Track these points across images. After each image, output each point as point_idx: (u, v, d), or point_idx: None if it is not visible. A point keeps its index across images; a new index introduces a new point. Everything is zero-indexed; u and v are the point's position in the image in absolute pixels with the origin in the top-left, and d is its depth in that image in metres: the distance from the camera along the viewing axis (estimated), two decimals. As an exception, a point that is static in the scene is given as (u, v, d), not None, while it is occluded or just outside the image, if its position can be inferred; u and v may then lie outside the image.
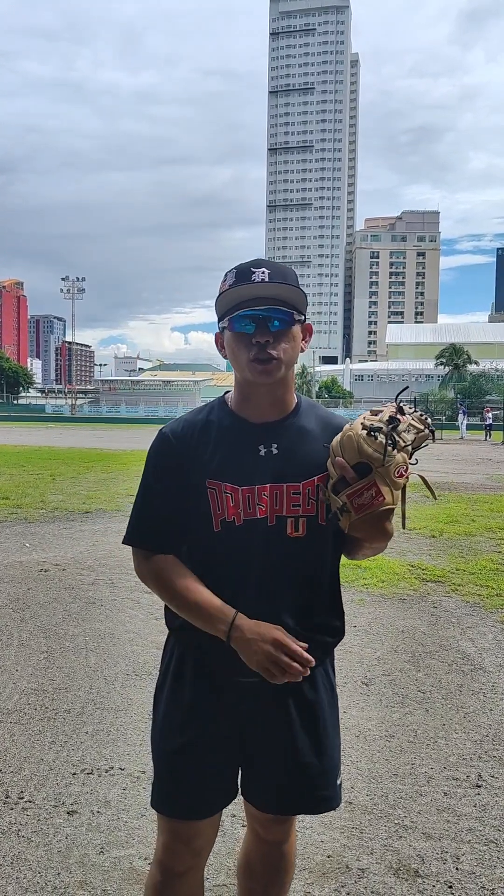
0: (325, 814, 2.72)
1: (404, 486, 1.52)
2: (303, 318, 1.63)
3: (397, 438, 1.48)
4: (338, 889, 2.37)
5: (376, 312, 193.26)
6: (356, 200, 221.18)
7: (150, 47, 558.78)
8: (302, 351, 1.67)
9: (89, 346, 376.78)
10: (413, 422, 1.53)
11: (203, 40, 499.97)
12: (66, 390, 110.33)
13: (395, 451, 1.46)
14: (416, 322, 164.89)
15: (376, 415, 1.52)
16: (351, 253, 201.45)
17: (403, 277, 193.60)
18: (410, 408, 1.57)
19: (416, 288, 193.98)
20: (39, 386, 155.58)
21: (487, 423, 36.51)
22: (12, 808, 2.78)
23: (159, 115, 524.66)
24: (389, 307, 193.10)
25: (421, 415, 1.57)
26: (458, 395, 60.97)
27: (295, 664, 1.52)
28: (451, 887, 2.38)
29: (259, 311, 1.57)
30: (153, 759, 1.76)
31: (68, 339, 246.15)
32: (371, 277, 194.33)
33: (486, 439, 34.71)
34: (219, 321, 1.66)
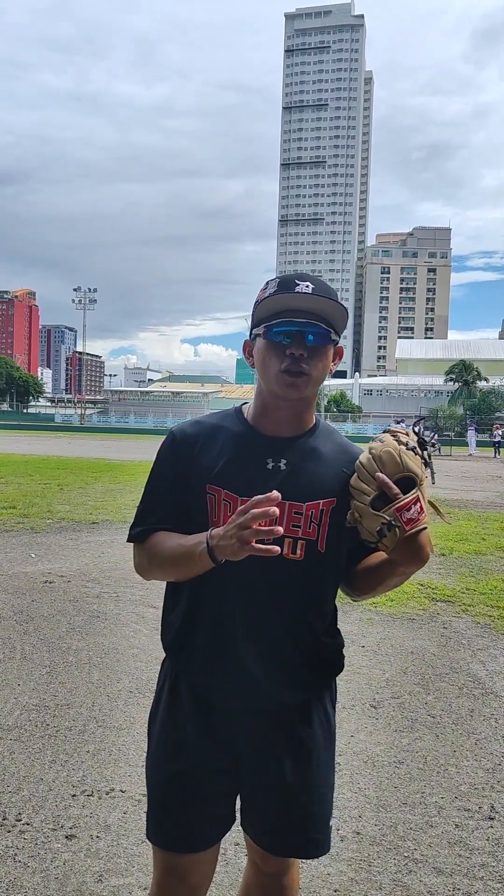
0: (332, 842, 2.66)
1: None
2: (338, 339, 1.57)
3: (427, 461, 1.48)
4: (345, 926, 2.27)
5: (386, 327, 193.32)
6: (368, 216, 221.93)
7: (165, 60, 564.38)
8: (330, 373, 1.60)
9: (100, 357, 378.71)
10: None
11: (217, 54, 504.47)
12: (76, 400, 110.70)
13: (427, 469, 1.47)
14: (426, 338, 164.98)
15: (395, 436, 1.50)
16: (362, 268, 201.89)
17: (414, 293, 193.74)
18: (419, 428, 1.56)
19: (427, 304, 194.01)
20: (49, 395, 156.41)
21: (496, 440, 36.31)
22: (9, 831, 2.70)
23: (173, 127, 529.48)
24: (399, 322, 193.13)
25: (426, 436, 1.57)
26: (468, 412, 60.80)
27: (252, 511, 1.34)
28: (463, 927, 2.28)
29: (298, 324, 1.50)
30: (147, 787, 1.69)
31: (79, 349, 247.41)
32: (382, 293, 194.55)
33: (495, 456, 34.50)
34: (252, 328, 1.59)
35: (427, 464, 1.48)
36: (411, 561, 1.45)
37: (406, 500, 1.41)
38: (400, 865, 2.58)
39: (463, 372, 70.93)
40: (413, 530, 1.41)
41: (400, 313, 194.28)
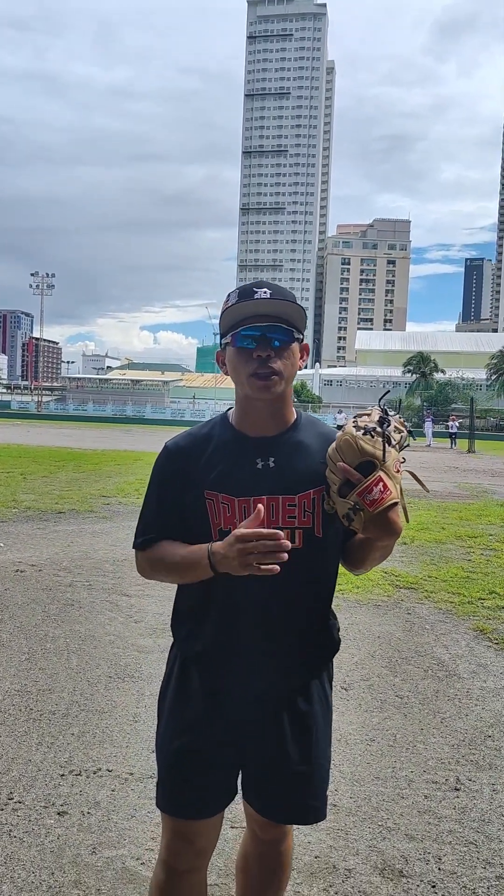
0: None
1: (400, 482, 1.59)
2: (301, 337, 1.70)
3: (391, 436, 1.56)
4: (326, 889, 2.44)
5: (346, 318, 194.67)
6: (329, 206, 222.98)
7: (126, 42, 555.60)
8: (299, 369, 1.74)
9: (57, 343, 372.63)
10: (395, 424, 1.61)
11: (179, 38, 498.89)
12: (33, 387, 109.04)
13: (391, 447, 1.55)
14: (385, 329, 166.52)
15: (362, 418, 1.60)
16: (323, 258, 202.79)
17: (374, 284, 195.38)
18: (391, 412, 1.64)
19: (386, 295, 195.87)
20: (5, 381, 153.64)
21: (453, 431, 37.06)
22: (2, 809, 2.81)
23: (133, 111, 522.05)
24: (359, 314, 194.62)
25: (400, 418, 1.65)
26: (425, 403, 61.80)
27: (264, 540, 1.50)
28: (434, 887, 2.48)
29: (260, 327, 1.63)
30: (157, 760, 1.83)
31: (36, 334, 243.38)
32: (342, 283, 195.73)
33: (451, 447, 35.22)
34: (221, 338, 1.72)
35: (388, 440, 1.55)
36: (384, 536, 1.57)
37: (367, 484, 1.52)
38: (374, 833, 2.77)
39: (420, 364, 72.06)
40: (377, 510, 1.52)
41: (360, 304, 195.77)
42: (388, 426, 1.58)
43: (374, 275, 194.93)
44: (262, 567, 1.50)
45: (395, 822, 2.85)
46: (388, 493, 1.52)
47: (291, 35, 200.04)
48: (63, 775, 3.07)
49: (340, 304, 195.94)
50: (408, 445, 1.65)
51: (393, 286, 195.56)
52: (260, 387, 1.65)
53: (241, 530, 1.53)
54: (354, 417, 1.62)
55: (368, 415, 1.61)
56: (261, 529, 1.52)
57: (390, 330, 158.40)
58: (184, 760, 1.75)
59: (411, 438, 1.68)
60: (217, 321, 1.77)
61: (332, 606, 1.87)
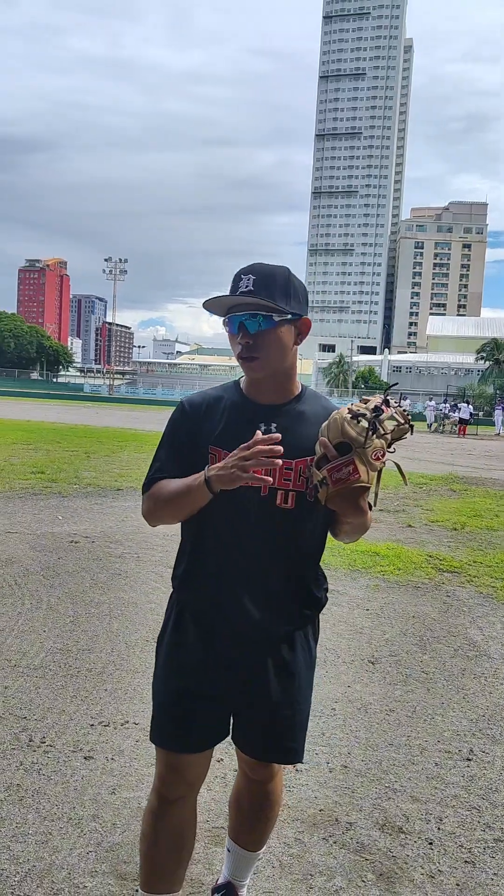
0: (321, 773, 2.97)
1: (380, 469, 1.69)
2: (288, 315, 1.78)
3: (378, 426, 1.66)
4: (325, 838, 2.58)
5: (418, 303, 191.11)
6: (403, 188, 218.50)
7: (199, 25, 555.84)
8: (296, 344, 1.85)
9: (129, 328, 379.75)
10: (395, 415, 1.70)
11: (253, 19, 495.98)
12: (105, 370, 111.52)
13: (375, 436, 1.64)
14: (459, 315, 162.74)
15: (365, 403, 1.70)
16: (395, 242, 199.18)
17: (448, 269, 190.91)
18: (396, 402, 1.74)
19: (460, 280, 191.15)
20: (79, 365, 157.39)
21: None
22: (35, 750, 3.05)
23: (205, 94, 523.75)
24: (432, 299, 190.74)
25: (404, 410, 1.74)
26: (498, 391, 60.24)
27: (257, 448, 1.63)
28: (430, 843, 2.58)
29: (238, 317, 1.77)
30: (152, 698, 1.99)
31: (109, 319, 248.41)
32: (415, 268, 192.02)
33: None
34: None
35: (374, 430, 1.64)
36: (347, 512, 1.72)
37: (337, 463, 1.64)
38: (380, 793, 2.89)
39: (494, 350, 70.09)
40: (338, 488, 1.64)
41: (433, 289, 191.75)
42: (380, 415, 1.67)
43: (448, 259, 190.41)
44: (257, 476, 1.63)
45: (403, 784, 2.96)
46: (355, 475, 1.63)
47: (369, 13, 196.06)
48: (93, 725, 3.30)
49: (413, 288, 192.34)
50: (404, 437, 1.74)
51: (468, 271, 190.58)
52: (247, 368, 1.83)
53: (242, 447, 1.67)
54: (359, 400, 1.74)
55: (368, 401, 1.72)
56: (262, 436, 1.65)
57: (464, 315, 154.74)
58: (176, 698, 1.91)
59: (409, 434, 1.77)
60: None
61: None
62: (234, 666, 1.90)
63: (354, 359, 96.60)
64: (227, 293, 1.78)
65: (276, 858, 2.46)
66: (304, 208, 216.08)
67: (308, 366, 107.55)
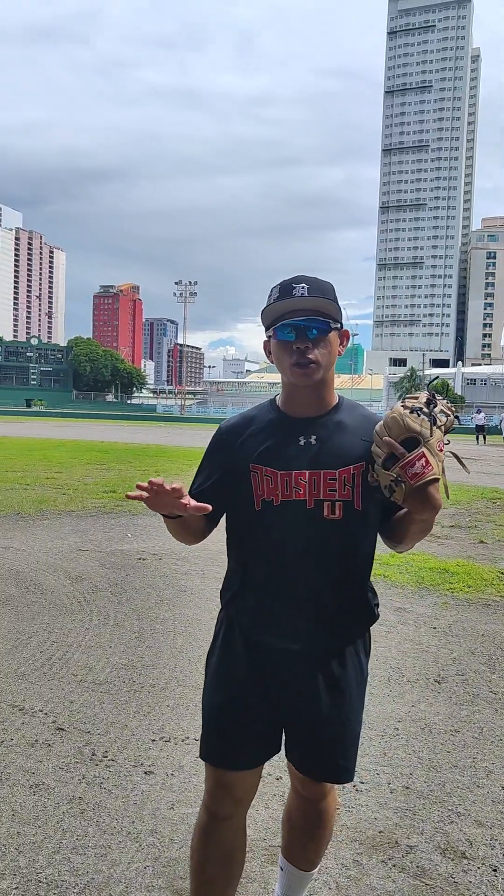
0: (382, 794, 2.91)
1: (443, 460, 1.68)
2: (339, 325, 1.84)
3: (436, 416, 1.67)
4: (385, 861, 2.52)
5: (492, 314, 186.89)
6: (473, 199, 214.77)
7: (264, 50, 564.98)
8: (339, 354, 1.87)
9: (199, 349, 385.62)
10: (443, 408, 1.71)
11: (317, 40, 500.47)
12: (177, 391, 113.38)
13: (435, 426, 1.65)
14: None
15: (404, 401, 1.72)
16: (466, 253, 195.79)
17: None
18: (440, 397, 1.74)
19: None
20: (152, 386, 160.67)
21: None
22: (97, 764, 3.10)
23: (271, 116, 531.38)
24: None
25: (448, 403, 1.75)
26: None
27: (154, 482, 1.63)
28: (495, 871, 2.49)
29: (299, 321, 1.79)
30: (202, 714, 2.00)
31: (180, 341, 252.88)
32: (487, 278, 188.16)
33: None
34: (266, 331, 1.89)
35: (433, 419, 1.66)
36: (423, 509, 1.68)
37: (410, 458, 1.63)
38: (443, 816, 2.80)
39: None
40: (418, 483, 1.63)
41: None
42: (435, 407, 1.69)
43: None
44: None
45: (467, 808, 2.87)
46: (429, 468, 1.63)
47: (434, 26, 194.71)
48: (154, 740, 3.33)
49: (485, 299, 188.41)
50: (452, 428, 1.74)
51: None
52: (300, 374, 1.81)
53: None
54: (405, 398, 1.74)
55: (417, 398, 1.72)
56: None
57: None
58: (225, 714, 1.91)
59: (457, 422, 1.78)
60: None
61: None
62: (283, 680, 1.89)
63: (427, 372, 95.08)
64: (275, 302, 1.79)
65: (332, 880, 2.42)
66: (371, 223, 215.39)
67: (379, 380, 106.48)
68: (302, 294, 1.77)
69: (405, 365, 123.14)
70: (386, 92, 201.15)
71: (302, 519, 1.82)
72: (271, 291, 1.85)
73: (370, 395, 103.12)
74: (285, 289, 1.81)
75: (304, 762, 1.94)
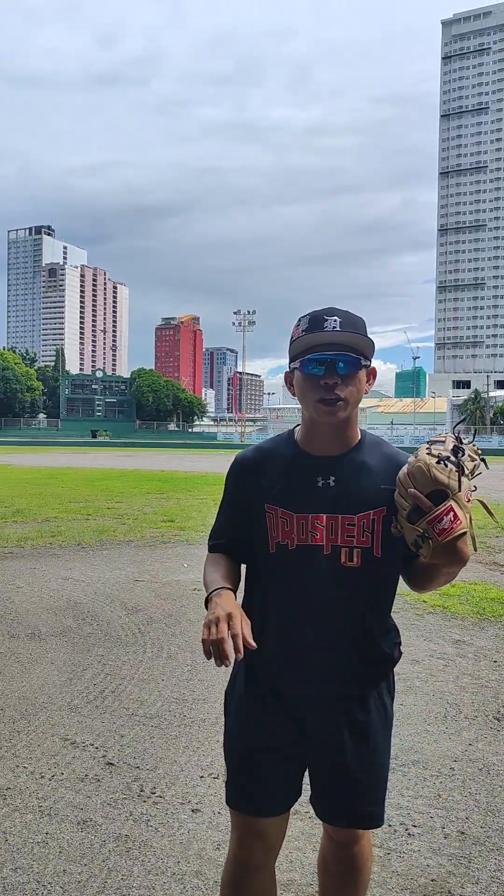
0: (435, 839, 2.80)
1: (470, 511, 1.58)
2: (368, 363, 1.75)
3: (464, 465, 1.57)
4: (437, 912, 2.41)
5: None
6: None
7: (319, 80, 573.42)
8: (365, 392, 1.80)
9: (259, 376, 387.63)
10: (470, 453, 1.60)
11: (371, 69, 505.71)
12: (236, 418, 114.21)
13: (463, 475, 1.55)
14: None
15: (429, 448, 1.61)
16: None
17: None
18: (465, 438, 1.64)
19: None
20: (212, 415, 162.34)
21: None
22: (145, 801, 3.08)
23: (327, 146, 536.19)
24: None
25: (474, 446, 1.64)
26: None
27: (224, 630, 1.55)
28: None
29: (328, 356, 1.70)
30: (225, 759, 1.95)
31: (240, 369, 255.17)
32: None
33: None
34: (290, 362, 1.81)
35: (462, 469, 1.55)
36: (451, 563, 1.59)
37: (437, 512, 1.53)
38: (500, 865, 2.67)
39: None
40: (446, 539, 1.53)
41: None
42: (462, 455, 1.59)
43: None
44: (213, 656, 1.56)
45: (526, 857, 2.72)
46: (458, 522, 1.53)
47: (489, 49, 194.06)
48: (202, 777, 3.30)
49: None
50: (480, 473, 1.65)
51: None
52: (326, 412, 1.72)
53: (235, 614, 1.59)
54: (428, 443, 1.64)
55: (443, 442, 1.63)
56: (242, 628, 1.56)
57: None
58: (249, 762, 1.85)
59: (485, 467, 1.68)
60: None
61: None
62: (306, 728, 1.84)
63: (491, 394, 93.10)
64: (304, 334, 1.72)
65: (381, 930, 2.33)
66: (430, 246, 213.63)
67: (442, 403, 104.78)
68: (334, 328, 1.69)
69: (468, 387, 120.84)
70: (442, 116, 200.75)
71: (318, 565, 1.74)
72: (299, 322, 1.76)
73: (434, 417, 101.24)
74: (316, 321, 1.72)
75: (329, 809, 1.88)
